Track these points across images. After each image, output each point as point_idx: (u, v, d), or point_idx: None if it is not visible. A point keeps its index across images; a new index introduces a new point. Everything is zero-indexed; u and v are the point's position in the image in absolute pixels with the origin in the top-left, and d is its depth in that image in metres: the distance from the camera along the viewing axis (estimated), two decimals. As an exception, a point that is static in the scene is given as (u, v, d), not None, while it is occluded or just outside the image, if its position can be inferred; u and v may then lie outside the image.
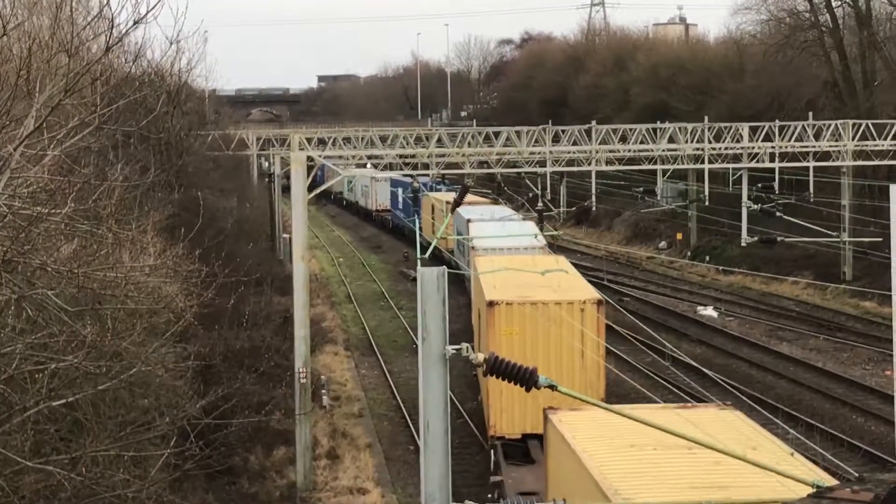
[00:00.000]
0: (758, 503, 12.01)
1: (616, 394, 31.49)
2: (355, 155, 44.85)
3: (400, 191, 76.07)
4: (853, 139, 47.31)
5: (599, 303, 27.58)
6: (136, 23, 13.42)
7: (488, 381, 27.34)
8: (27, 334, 13.82)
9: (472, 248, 41.03)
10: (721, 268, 59.10)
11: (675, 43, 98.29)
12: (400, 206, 76.71)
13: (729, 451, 11.91)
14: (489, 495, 24.91)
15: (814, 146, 47.03)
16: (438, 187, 68.86)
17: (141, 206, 22.09)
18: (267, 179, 64.55)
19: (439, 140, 44.96)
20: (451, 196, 59.24)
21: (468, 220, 47.05)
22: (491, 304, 27.77)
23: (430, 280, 9.14)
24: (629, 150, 46.02)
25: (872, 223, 50.72)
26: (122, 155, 22.75)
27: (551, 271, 30.93)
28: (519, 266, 32.44)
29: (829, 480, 12.88)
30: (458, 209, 42.59)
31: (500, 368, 9.71)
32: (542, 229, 41.84)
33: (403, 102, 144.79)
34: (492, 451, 27.33)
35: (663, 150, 46.13)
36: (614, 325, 35.44)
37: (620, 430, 16.17)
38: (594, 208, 66.54)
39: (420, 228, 70.50)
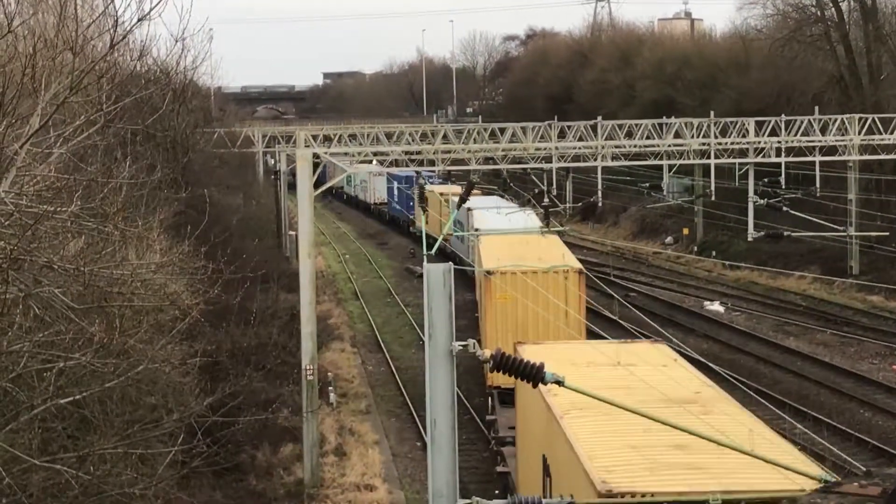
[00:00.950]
0: (763, 496, 13.12)
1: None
2: (361, 152, 44.86)
3: (396, 185, 79.67)
4: (859, 133, 47.24)
5: (580, 272, 31.71)
6: (140, 20, 13.45)
7: (486, 338, 32.02)
8: (34, 332, 13.83)
9: (476, 230, 43.71)
10: (727, 263, 59.01)
11: (680, 38, 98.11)
12: (396, 199, 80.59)
13: (728, 444, 11.92)
14: (496, 490, 24.93)
15: (820, 140, 46.95)
16: (432, 180, 69.77)
17: (147, 204, 22.09)
18: (273, 176, 64.54)
19: (445, 136, 44.96)
20: (445, 188, 60.22)
21: (468, 209, 48.33)
22: (488, 273, 32.00)
23: (437, 276, 9.14)
24: (635, 146, 45.97)
25: (879, 217, 50.66)
26: (128, 153, 22.73)
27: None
28: (517, 244, 36.44)
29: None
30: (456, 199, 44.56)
31: (508, 365, 9.71)
32: (548, 225, 41.95)
33: (409, 99, 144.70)
34: (489, 397, 30.69)
35: (669, 146, 46.07)
36: (620, 321, 35.44)
37: (571, 355, 21.33)
38: (600, 204, 66.47)
39: (413, 219, 73.56)
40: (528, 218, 45.48)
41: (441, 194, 56.96)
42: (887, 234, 50.11)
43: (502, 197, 58.58)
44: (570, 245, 44.36)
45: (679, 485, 13.41)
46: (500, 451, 26.41)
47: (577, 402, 16.20)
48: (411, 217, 73.12)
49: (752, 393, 30.81)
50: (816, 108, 51.10)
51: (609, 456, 14.51)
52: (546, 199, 46.49)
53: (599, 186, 59.75)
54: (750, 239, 49.43)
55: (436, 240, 30.97)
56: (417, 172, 61.77)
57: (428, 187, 65.62)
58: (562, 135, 45.44)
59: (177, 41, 27.89)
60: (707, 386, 18.62)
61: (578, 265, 32.36)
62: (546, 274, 31.23)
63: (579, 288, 31.32)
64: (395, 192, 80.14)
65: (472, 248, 46.14)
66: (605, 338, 39.35)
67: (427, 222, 60.73)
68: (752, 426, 15.27)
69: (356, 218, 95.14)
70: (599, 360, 20.46)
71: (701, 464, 14.02)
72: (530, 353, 20.39)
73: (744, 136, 47.15)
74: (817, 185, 51.26)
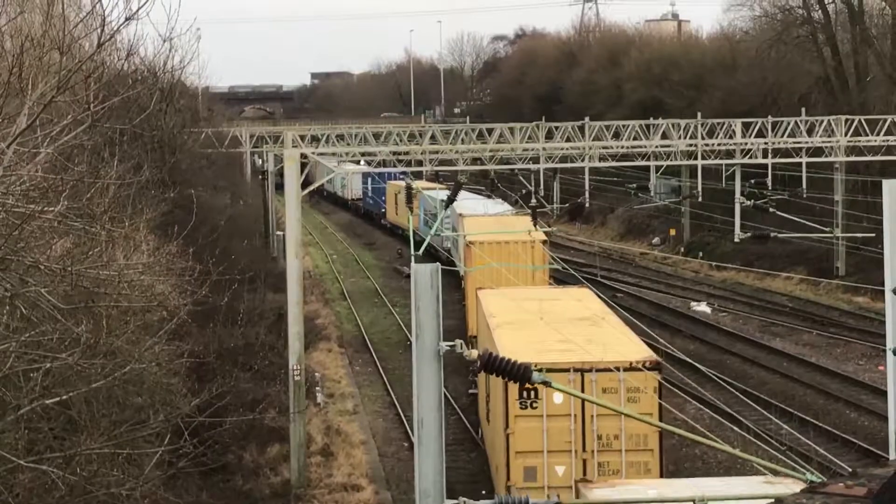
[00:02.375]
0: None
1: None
2: (349, 152, 44.85)
3: (370, 181, 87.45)
4: (846, 135, 47.40)
5: (545, 241, 39.88)
6: (127, 20, 13.43)
7: (467, 295, 39.81)
8: (21, 332, 13.80)
9: (460, 215, 49.07)
10: (714, 263, 59.12)
11: (667, 39, 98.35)
12: (370, 195, 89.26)
13: (720, 446, 11.95)
14: (483, 491, 24.95)
15: (806, 142, 47.09)
16: (400, 176, 71.20)
17: (134, 204, 22.04)
18: (260, 177, 64.48)
19: (433, 137, 45.01)
20: (416, 183, 61.39)
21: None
22: (469, 243, 39.43)
23: (424, 276, 9.15)
24: (622, 147, 46.09)
25: (865, 218, 50.78)
26: (116, 153, 22.68)
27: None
28: (494, 223, 43.62)
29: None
30: (433, 193, 53.32)
31: (495, 365, 9.71)
32: (535, 226, 42.14)
33: (397, 99, 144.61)
34: (469, 344, 35.04)
35: (656, 147, 46.19)
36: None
37: (516, 294, 29.43)
38: (587, 205, 66.58)
39: (385, 212, 77.71)
40: (499, 204, 54.01)
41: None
42: (873, 235, 50.20)
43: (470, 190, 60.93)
44: (557, 245, 45.03)
45: (554, 358, 21.20)
46: (474, 380, 32.45)
47: (509, 321, 25.15)
48: (383, 210, 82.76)
49: (738, 394, 30.93)
50: (803, 109, 51.23)
51: (515, 345, 22.10)
52: (533, 200, 46.57)
53: (587, 187, 59.81)
54: (737, 240, 49.55)
55: (418, 238, 32.24)
56: (404, 173, 62.06)
57: (397, 182, 67.54)
58: (549, 135, 45.54)
59: (164, 41, 27.84)
60: (605, 312, 26.38)
61: (543, 236, 40.13)
62: (516, 243, 38.87)
63: (543, 253, 39.24)
64: (370, 189, 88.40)
65: (445, 239, 53.69)
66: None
67: (395, 213, 62.92)
68: (611, 330, 24.44)
69: (342, 216, 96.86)
70: (535, 297, 28.36)
71: (573, 349, 21.82)
72: (486, 295, 29.80)
73: (731, 137, 47.29)
74: (804, 186, 51.37)
